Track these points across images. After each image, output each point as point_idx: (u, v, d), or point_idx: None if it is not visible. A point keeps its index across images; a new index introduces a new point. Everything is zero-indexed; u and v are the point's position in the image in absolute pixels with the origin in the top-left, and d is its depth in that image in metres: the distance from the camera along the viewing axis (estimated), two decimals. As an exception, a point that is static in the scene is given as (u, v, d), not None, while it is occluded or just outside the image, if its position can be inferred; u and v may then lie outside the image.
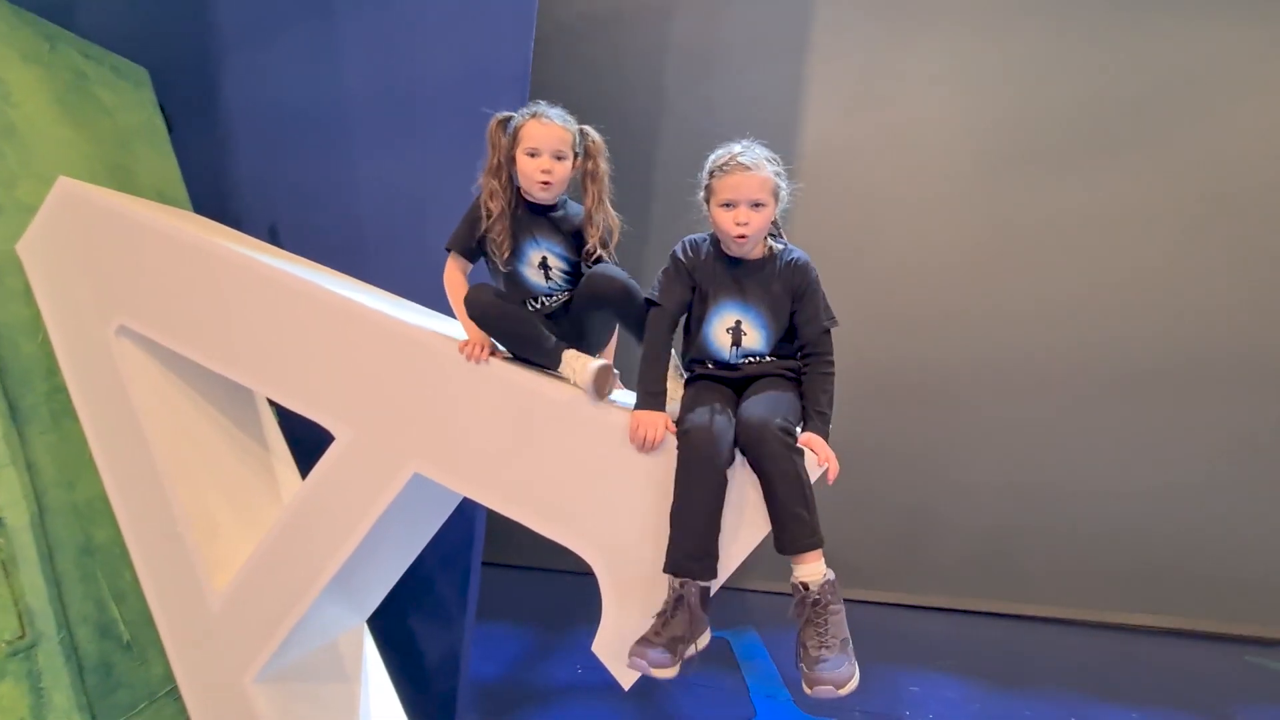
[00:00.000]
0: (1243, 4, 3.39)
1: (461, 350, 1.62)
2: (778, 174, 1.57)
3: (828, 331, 1.58)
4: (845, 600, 1.42)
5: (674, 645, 1.35)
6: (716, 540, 1.39)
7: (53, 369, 1.97)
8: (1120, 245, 3.60)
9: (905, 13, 3.79)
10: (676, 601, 1.36)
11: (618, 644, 1.50)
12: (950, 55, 3.75)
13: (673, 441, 1.46)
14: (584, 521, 1.54)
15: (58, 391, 1.96)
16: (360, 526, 1.69)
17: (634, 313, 1.62)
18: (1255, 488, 3.47)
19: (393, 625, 2.46)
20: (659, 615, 1.38)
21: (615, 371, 1.66)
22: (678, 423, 1.46)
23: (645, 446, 1.45)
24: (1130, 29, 3.52)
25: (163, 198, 2.54)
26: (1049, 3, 3.62)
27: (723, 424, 1.42)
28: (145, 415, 1.87)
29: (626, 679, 1.51)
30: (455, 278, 1.70)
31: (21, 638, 1.65)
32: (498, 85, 2.63)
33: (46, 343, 1.98)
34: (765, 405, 1.43)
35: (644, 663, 1.36)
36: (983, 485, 3.78)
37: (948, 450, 3.78)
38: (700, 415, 1.42)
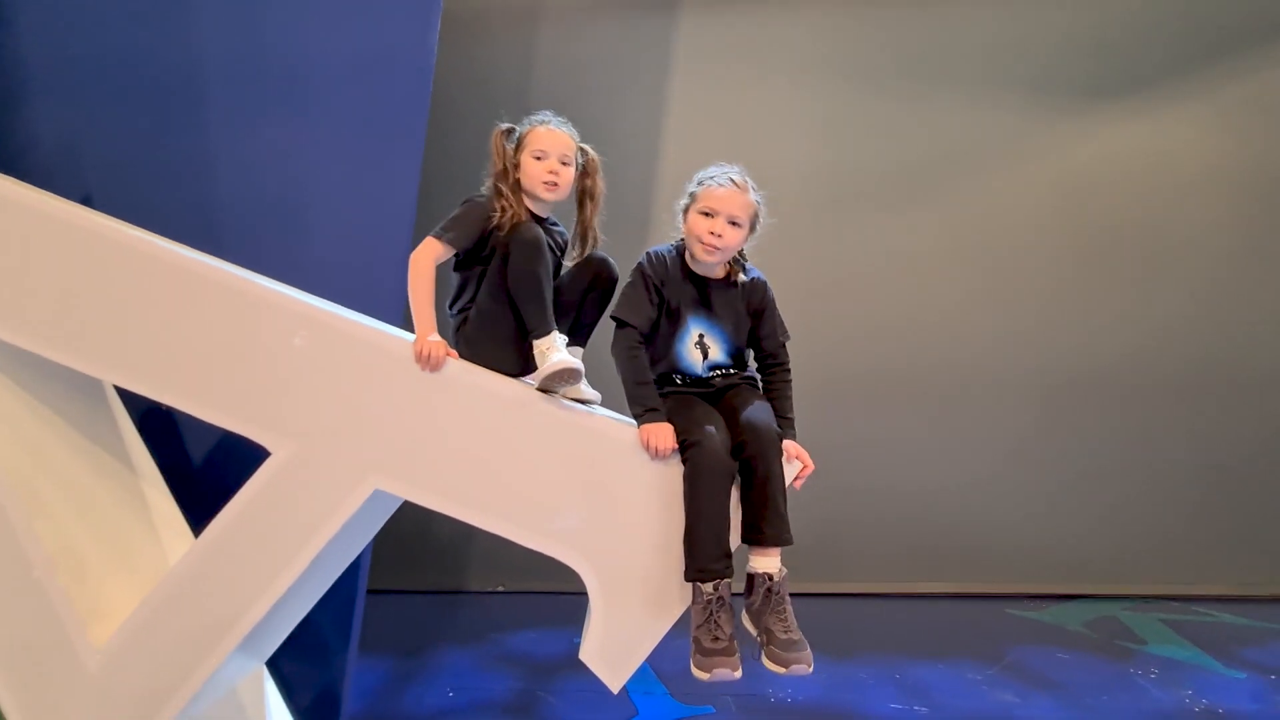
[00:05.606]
0: (1005, 96, 4.32)
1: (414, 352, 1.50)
2: (759, 204, 1.69)
3: (784, 345, 1.75)
4: None
5: (732, 643, 1.40)
6: (729, 538, 1.47)
7: None
8: (920, 278, 4.34)
9: (754, 62, 4.22)
10: (718, 603, 1.41)
11: (607, 650, 1.51)
12: (789, 107, 4.25)
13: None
14: (573, 531, 1.52)
15: None
16: (302, 554, 1.49)
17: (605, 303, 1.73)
18: (1009, 482, 4.40)
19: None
20: (701, 625, 1.42)
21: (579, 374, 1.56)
22: (680, 436, 1.50)
23: (657, 455, 1.49)
24: (923, 104, 4.30)
25: (-56, 154, 1.99)
26: (864, 74, 4.26)
27: (720, 432, 1.50)
28: (-24, 433, 1.46)
29: (615, 682, 1.52)
30: (426, 265, 1.55)
31: None
32: (397, 72, 2.45)
33: None
34: (763, 413, 1.55)
35: (726, 671, 1.39)
36: (811, 484, 4.29)
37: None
38: (703, 427, 1.49)
